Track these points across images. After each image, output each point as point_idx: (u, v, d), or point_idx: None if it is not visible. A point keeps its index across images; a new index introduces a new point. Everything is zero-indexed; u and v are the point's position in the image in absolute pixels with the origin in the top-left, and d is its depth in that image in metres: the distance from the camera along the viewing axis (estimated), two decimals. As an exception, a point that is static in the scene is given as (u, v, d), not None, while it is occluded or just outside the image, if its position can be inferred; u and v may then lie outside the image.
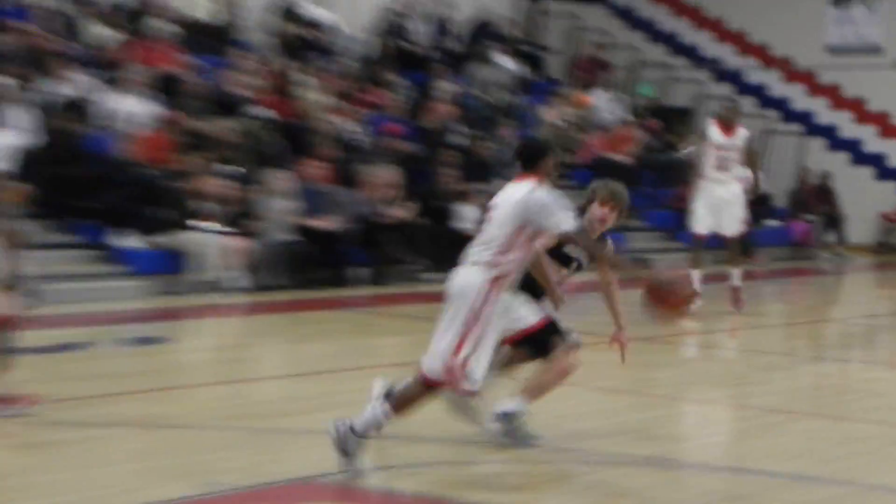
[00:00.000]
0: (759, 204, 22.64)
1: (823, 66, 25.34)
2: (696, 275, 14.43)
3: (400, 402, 7.27)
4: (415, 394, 7.30)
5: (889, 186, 24.70)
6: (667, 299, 7.26)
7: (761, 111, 25.61)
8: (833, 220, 23.69)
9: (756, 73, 26.17)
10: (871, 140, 24.93)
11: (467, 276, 7.29)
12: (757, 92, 26.10)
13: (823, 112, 25.43)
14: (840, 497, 7.26)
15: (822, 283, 21.07)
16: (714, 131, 15.17)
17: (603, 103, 23.65)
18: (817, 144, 25.27)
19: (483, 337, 7.19)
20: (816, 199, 23.86)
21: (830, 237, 23.61)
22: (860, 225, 24.05)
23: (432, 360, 7.21)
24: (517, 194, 7.35)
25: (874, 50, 24.82)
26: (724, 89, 25.93)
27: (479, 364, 7.19)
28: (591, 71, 24.72)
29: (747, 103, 25.71)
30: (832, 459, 8.16)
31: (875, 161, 24.89)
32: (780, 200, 24.21)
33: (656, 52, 26.84)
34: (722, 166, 15.07)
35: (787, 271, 21.67)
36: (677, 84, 25.87)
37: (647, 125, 23.56)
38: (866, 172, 24.91)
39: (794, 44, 25.59)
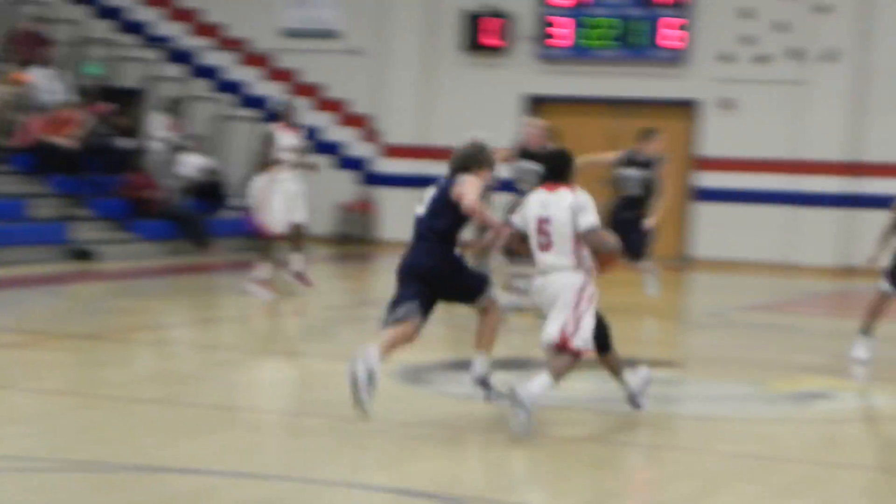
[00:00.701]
0: (212, 193, 22.91)
1: (280, 50, 25.87)
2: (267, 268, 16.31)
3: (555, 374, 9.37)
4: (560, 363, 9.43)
5: (349, 176, 25.50)
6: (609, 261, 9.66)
7: (216, 95, 25.85)
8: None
9: (210, 55, 26.40)
10: (330, 128, 25.66)
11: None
12: (211, 75, 26.35)
13: (281, 97, 25.94)
14: (282, 492, 7.50)
15: (282, 274, 21.49)
16: (279, 133, 16.43)
17: (43, 82, 23.14)
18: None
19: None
20: (273, 188, 24.29)
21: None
22: (320, 215, 24.67)
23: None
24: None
25: (331, 35, 25.56)
26: (176, 71, 26.02)
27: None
28: (29, 46, 24.11)
29: (201, 87, 25.91)
30: (278, 455, 8.40)
31: (334, 149, 25.61)
32: (237, 188, 24.51)
33: (102, 29, 26.54)
34: (289, 164, 16.41)
35: (245, 263, 21.97)
36: (126, 64, 25.67)
37: (95, 107, 23.26)
38: (325, 161, 25.62)
39: (250, 25, 25.99)
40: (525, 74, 24.46)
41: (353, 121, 25.70)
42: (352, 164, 25.65)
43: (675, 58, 23.58)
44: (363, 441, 9.11)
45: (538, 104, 24.42)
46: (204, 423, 9.47)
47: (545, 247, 9.63)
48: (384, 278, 22.68)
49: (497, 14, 24.52)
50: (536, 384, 9.22)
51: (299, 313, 16.63)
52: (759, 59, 23.21)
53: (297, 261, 16.91)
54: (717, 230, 23.00)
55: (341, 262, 23.71)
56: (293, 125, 16.76)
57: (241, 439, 8.89)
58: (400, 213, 25.02)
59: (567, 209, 9.52)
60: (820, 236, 21.26)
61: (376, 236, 25.29)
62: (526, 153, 15.50)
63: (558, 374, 9.43)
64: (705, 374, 12.82)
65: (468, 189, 9.73)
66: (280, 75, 26.00)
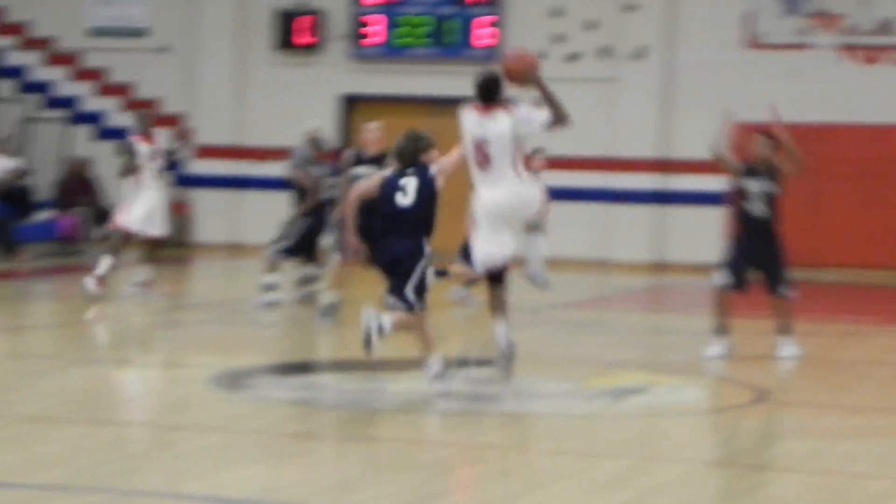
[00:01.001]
0: (20, 197, 22.44)
1: (87, 49, 25.45)
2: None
3: None
4: None
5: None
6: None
7: (21, 96, 25.34)
8: (100, 213, 23.76)
9: (15, 55, 25.86)
10: (141, 128, 25.32)
11: None
12: (16, 75, 25.81)
13: (89, 98, 25.56)
14: (98, 504, 7.40)
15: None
16: (140, 145, 16.81)
17: None
18: (83, 132, 25.36)
19: None
20: (82, 191, 23.88)
21: (99, 231, 23.74)
22: (132, 218, 24.39)
23: None
24: None
25: (139, 32, 25.24)
26: (-21, 71, 25.47)
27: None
28: None
29: (6, 87, 25.38)
30: (92, 465, 8.26)
31: (145, 150, 25.28)
32: (46, 193, 24.08)
33: None
34: (152, 173, 16.90)
35: (55, 269, 21.61)
36: (-73, 65, 25.04)
37: None
38: (136, 162, 25.30)
39: (55, 24, 25.52)
40: (339, 73, 24.43)
41: (165, 121, 25.36)
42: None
43: (488, 56, 23.74)
44: (179, 448, 9.02)
45: (353, 103, 24.41)
46: (15, 434, 9.27)
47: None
48: (202, 283, 22.57)
49: (310, 12, 24.44)
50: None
51: (115, 318, 16.39)
52: (570, 57, 23.51)
53: (144, 271, 17.19)
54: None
55: (156, 265, 23.35)
56: (150, 135, 17.01)
57: (53, 450, 8.71)
58: (216, 216, 24.83)
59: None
60: (633, 233, 21.63)
61: (191, 239, 25.02)
62: (361, 159, 15.38)
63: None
64: (523, 372, 12.91)
65: (446, 160, 10.73)
66: (87, 75, 25.58)
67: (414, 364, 11.00)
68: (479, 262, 11.10)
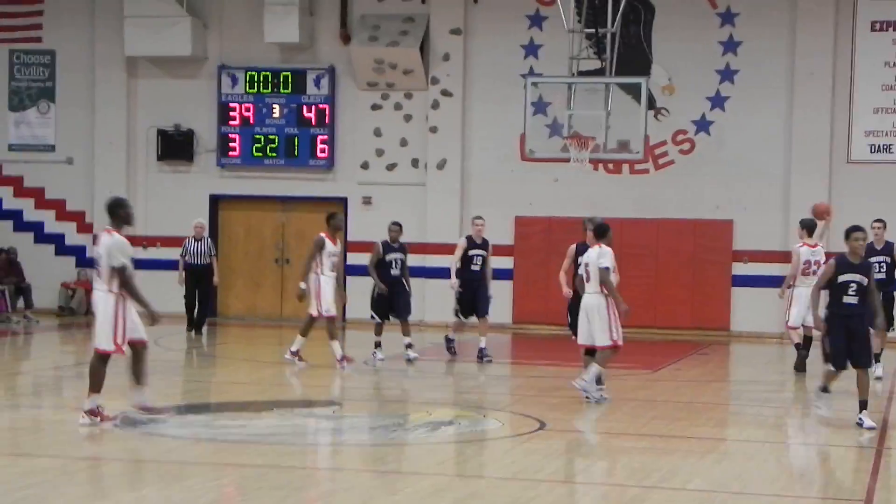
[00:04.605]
0: None
1: (7, 161, 24.85)
2: None
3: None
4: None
5: (69, 260, 24.61)
6: None
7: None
8: (21, 289, 23.13)
9: (-52, 165, 25.02)
10: (51, 222, 24.72)
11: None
12: (-50, 181, 24.96)
13: (8, 199, 24.87)
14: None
15: (14, 342, 20.47)
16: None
17: None
18: (5, 226, 24.68)
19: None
20: (6, 271, 23.19)
21: (20, 303, 23.05)
22: (45, 292, 23.76)
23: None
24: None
25: (49, 147, 24.74)
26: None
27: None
28: None
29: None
30: (8, 492, 7.92)
31: (56, 239, 24.72)
32: None
33: None
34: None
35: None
36: None
37: None
38: (49, 249, 24.68)
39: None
40: (209, 179, 24.12)
41: (70, 216, 24.82)
42: (71, 250, 24.74)
43: (326, 165, 23.72)
44: (84, 478, 8.72)
45: (219, 201, 24.16)
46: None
47: None
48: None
49: (185, 132, 24.16)
50: None
51: (31, 373, 15.85)
52: (389, 167, 23.58)
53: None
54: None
55: (63, 329, 22.75)
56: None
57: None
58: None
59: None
60: (442, 299, 21.50)
61: (92, 309, 24.45)
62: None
63: None
64: (360, 410, 12.81)
65: None
66: (7, 181, 24.89)
67: (270, 405, 10.83)
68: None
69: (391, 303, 16.67)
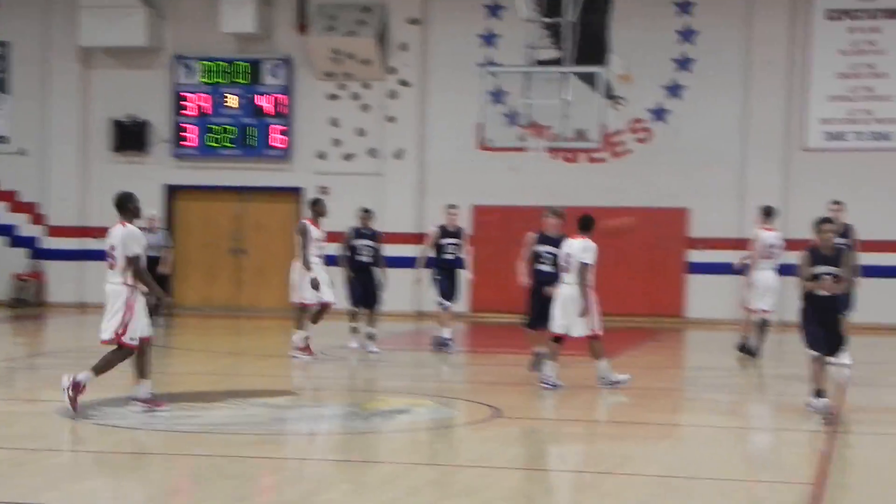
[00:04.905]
0: None
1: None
2: None
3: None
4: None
5: (20, 252, 24.38)
6: None
7: None
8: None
9: None
10: (4, 214, 24.47)
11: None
12: None
13: (-39, 190, 24.65)
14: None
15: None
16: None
17: None
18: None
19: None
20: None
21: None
22: (-1, 285, 23.66)
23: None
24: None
25: (2, 139, 24.47)
26: None
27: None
28: None
29: None
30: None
31: (8, 231, 24.47)
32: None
33: None
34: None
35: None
36: None
37: None
38: (1, 241, 24.44)
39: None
40: (164, 169, 23.97)
41: (23, 208, 24.57)
42: (23, 242, 24.51)
43: (282, 155, 23.61)
44: (35, 468, 8.63)
45: (174, 192, 24.01)
46: None
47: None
48: (55, 334, 21.86)
49: (140, 123, 23.97)
50: None
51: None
52: (346, 156, 23.51)
53: None
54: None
55: (16, 321, 22.55)
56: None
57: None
58: (65, 281, 24.09)
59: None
60: (401, 290, 21.47)
61: (45, 300, 24.29)
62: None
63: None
64: (315, 400, 12.77)
65: None
66: (-40, 173, 24.63)
67: (225, 395, 10.78)
68: None
69: (358, 290, 16.51)
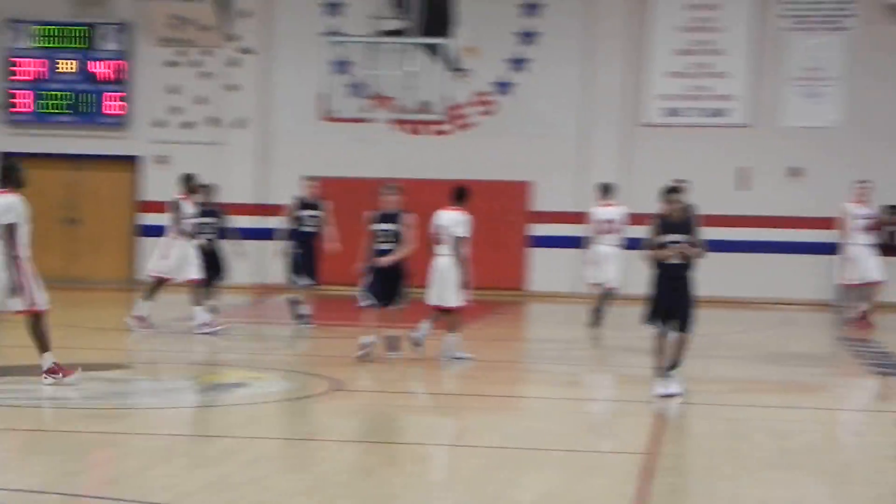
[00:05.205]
0: None
1: None
2: None
3: None
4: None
5: None
6: None
7: None
8: None
9: None
10: None
11: None
12: None
13: None
14: None
15: None
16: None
17: None
18: None
19: None
20: None
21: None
22: None
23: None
24: None
25: None
26: None
27: None
28: None
29: None
30: None
31: None
32: None
33: None
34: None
35: None
36: None
37: None
38: None
39: None
40: (-4, 136, 23.16)
41: None
42: None
43: (118, 123, 23.01)
44: None
45: (7, 160, 23.16)
46: None
47: None
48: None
49: (-32, 86, 23.11)
50: None
51: None
52: (185, 125, 23.04)
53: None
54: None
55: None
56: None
57: None
58: None
59: None
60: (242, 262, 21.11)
61: None
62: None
63: None
64: (150, 374, 12.48)
65: None
66: None
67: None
68: None
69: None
